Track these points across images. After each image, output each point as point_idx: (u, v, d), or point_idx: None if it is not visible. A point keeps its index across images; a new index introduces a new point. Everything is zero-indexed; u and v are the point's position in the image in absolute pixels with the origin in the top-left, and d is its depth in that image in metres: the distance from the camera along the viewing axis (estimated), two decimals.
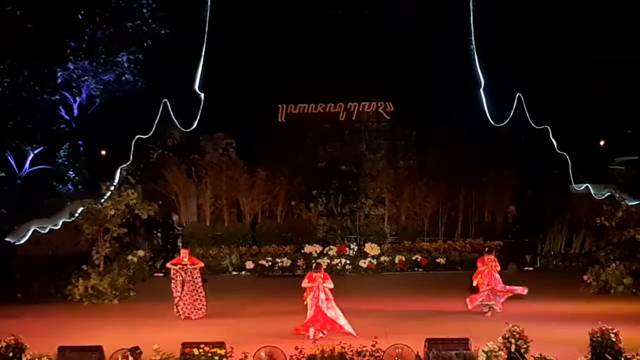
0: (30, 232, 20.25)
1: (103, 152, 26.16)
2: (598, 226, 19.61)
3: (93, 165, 25.91)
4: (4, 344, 11.07)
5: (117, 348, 10.79)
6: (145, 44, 26.17)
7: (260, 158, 26.03)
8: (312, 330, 12.98)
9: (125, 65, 26.17)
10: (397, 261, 23.10)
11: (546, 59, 24.44)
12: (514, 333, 10.47)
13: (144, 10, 26.33)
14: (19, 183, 25.29)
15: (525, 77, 24.28)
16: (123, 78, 26.30)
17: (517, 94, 24.70)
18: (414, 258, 23.22)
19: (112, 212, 19.40)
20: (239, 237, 24.47)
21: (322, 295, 13.26)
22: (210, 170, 25.23)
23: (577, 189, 23.71)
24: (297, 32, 26.43)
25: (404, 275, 22.61)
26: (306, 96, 27.64)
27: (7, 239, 20.05)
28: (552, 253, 23.28)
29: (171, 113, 25.03)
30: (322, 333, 12.97)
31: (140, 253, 22.10)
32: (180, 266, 16.03)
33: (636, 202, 19.76)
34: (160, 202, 23.58)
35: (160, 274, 21.96)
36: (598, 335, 10.50)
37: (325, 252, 23.35)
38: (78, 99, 26.41)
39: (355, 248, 23.58)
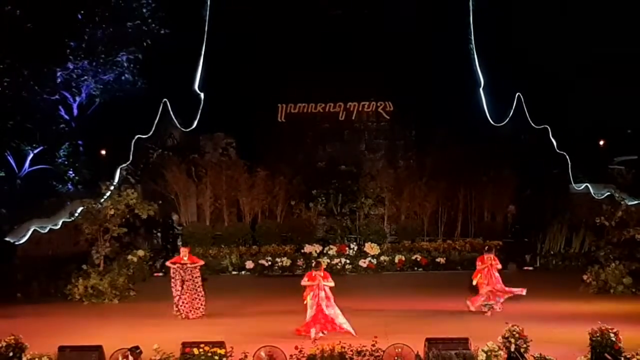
0: (30, 232, 20.26)
1: (103, 152, 26.16)
2: (598, 226, 19.62)
3: (93, 165, 25.92)
4: (4, 344, 11.06)
5: (117, 348, 10.78)
6: (145, 44, 26.18)
7: (260, 158, 26.04)
8: (313, 330, 13.00)
9: (125, 65, 26.18)
10: (396, 261, 23.11)
11: (546, 59, 24.45)
12: (514, 333, 10.47)
13: (144, 10, 26.34)
14: (18, 183, 25.30)
15: (525, 77, 24.29)
16: (123, 78, 26.31)
17: (517, 94, 24.72)
18: (413, 258, 23.23)
19: (112, 212, 19.40)
20: (239, 237, 24.48)
21: (322, 294, 13.28)
22: (210, 170, 25.24)
23: (576, 188, 23.73)
24: (297, 32, 26.43)
25: (403, 275, 22.62)
26: (306, 96, 27.66)
27: (7, 239, 20.06)
28: (552, 253, 23.29)
29: (171, 113, 25.05)
30: (322, 333, 12.98)
31: (140, 253, 22.11)
32: (180, 265, 16.04)
33: (636, 202, 19.77)
34: (160, 202, 23.58)
35: (160, 274, 21.96)
36: (598, 334, 10.49)
37: (325, 251, 23.36)
38: (78, 98, 26.41)
39: (355, 248, 23.60)
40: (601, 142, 26.50)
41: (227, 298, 18.12)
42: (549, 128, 23.98)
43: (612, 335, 10.43)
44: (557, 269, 22.59)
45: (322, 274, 13.58)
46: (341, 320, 13.23)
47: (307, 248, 23.50)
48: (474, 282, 15.78)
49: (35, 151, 25.57)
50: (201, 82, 26.20)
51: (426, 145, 26.22)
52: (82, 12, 25.28)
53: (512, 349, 10.32)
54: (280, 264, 23.01)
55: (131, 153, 23.82)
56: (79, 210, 20.34)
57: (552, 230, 23.47)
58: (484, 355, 10.15)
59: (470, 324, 14.02)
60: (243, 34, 26.29)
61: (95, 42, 25.63)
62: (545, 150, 24.01)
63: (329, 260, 22.48)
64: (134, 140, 24.00)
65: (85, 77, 25.91)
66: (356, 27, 26.69)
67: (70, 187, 25.82)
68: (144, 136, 24.62)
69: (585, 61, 24.63)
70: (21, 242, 20.19)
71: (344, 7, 27.24)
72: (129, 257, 21.37)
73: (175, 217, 25.45)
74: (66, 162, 26.27)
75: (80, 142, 26.59)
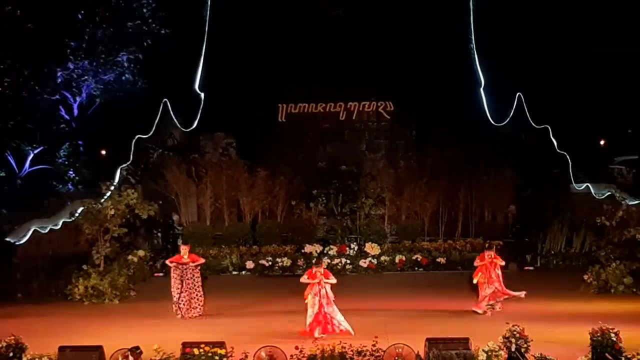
0: (30, 232, 20.24)
1: (103, 152, 26.16)
2: (598, 226, 19.60)
3: (93, 165, 25.92)
4: (4, 344, 11.07)
5: (118, 348, 10.79)
6: (145, 44, 26.17)
7: (260, 158, 26.06)
8: (318, 329, 13.04)
9: (125, 65, 26.17)
10: (397, 261, 23.10)
11: (546, 58, 24.42)
12: (515, 332, 10.47)
13: (144, 10, 26.33)
14: (19, 183, 25.30)
15: (526, 77, 24.26)
16: (123, 78, 26.30)
17: (517, 94, 24.69)
18: (414, 258, 23.23)
19: (112, 212, 19.39)
20: (239, 237, 24.49)
21: (324, 292, 13.30)
22: (211, 170, 25.26)
23: (577, 188, 23.70)
24: (297, 32, 26.42)
25: (404, 275, 22.62)
26: (306, 96, 27.66)
27: (7, 239, 20.03)
28: (553, 252, 23.29)
29: (171, 113, 25.02)
30: (321, 336, 12.97)
31: (141, 253, 22.12)
32: (181, 265, 16.04)
33: (636, 202, 19.74)
34: (161, 202, 23.56)
35: (161, 274, 21.96)
36: (598, 334, 10.49)
37: (325, 251, 23.36)
38: (78, 98, 26.40)
39: (356, 248, 23.59)
40: (602, 142, 26.48)
41: (228, 298, 18.12)
42: (549, 128, 23.94)
43: (612, 335, 10.42)
44: (557, 269, 22.60)
45: (322, 271, 13.60)
46: (339, 318, 13.27)
47: (308, 248, 23.50)
48: (474, 281, 15.75)
49: (36, 151, 25.57)
50: (201, 82, 26.17)
51: (427, 145, 26.22)
52: (83, 12, 25.27)
53: (513, 349, 10.32)
54: (280, 264, 23.01)
55: (131, 153, 23.79)
56: (79, 211, 20.32)
57: (553, 230, 23.47)
58: (485, 355, 10.15)
59: (470, 324, 14.03)
60: (243, 34, 26.29)
61: (96, 42, 25.62)
62: (546, 150, 23.97)
63: (329, 260, 22.47)
64: (134, 140, 23.97)
65: (86, 77, 25.90)
66: (356, 27, 26.67)
67: (70, 187, 25.81)
68: (144, 136, 24.59)
69: (586, 61, 24.60)
70: (21, 242, 20.16)
71: (344, 7, 27.22)
72: (130, 257, 21.37)
73: (175, 217, 25.46)
74: (66, 162, 26.26)
75: (80, 142, 26.58)
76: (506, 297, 15.60)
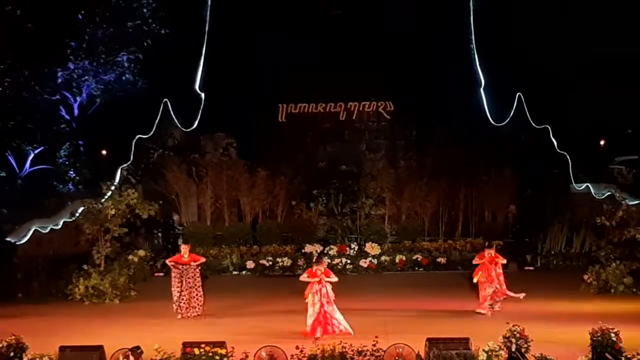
0: (31, 232, 20.26)
1: (103, 152, 26.18)
2: (598, 226, 19.60)
3: (93, 165, 25.94)
4: (5, 344, 11.08)
5: (118, 348, 10.79)
6: (145, 44, 26.20)
7: (260, 158, 26.04)
8: (319, 329, 13.06)
9: (126, 65, 26.20)
10: (397, 261, 23.10)
11: (546, 58, 24.43)
12: (515, 332, 10.47)
13: (144, 10, 26.36)
14: (19, 183, 25.33)
15: (526, 77, 24.27)
16: (123, 78, 26.33)
17: (518, 94, 24.70)
18: (414, 258, 23.22)
19: (113, 212, 19.40)
20: (240, 237, 24.49)
21: (324, 291, 13.32)
22: (211, 170, 25.25)
23: (577, 188, 23.71)
24: (297, 32, 26.42)
25: (404, 275, 22.61)
26: (306, 96, 27.67)
27: (8, 239, 20.05)
28: (553, 252, 23.28)
29: (172, 113, 25.05)
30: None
31: (141, 253, 22.12)
32: (182, 265, 16.06)
33: (636, 202, 19.76)
34: (161, 202, 23.57)
35: (161, 274, 21.96)
36: (598, 334, 10.50)
37: (325, 251, 23.34)
38: (78, 98, 26.43)
39: (356, 248, 23.59)
40: (602, 142, 26.49)
41: (228, 298, 18.13)
42: (549, 128, 23.97)
43: (612, 335, 10.43)
44: (557, 269, 22.59)
45: (322, 270, 13.61)
46: (338, 316, 13.29)
47: (308, 248, 23.50)
48: (475, 280, 15.74)
49: (36, 151, 25.60)
50: (202, 82, 26.20)
51: (427, 145, 26.20)
52: (83, 12, 25.31)
53: (513, 349, 10.32)
54: (281, 264, 23.01)
55: (132, 153, 23.81)
56: (79, 211, 20.33)
57: (553, 230, 23.46)
58: (485, 355, 10.15)
59: (471, 323, 14.04)
60: (243, 34, 26.29)
61: (96, 42, 25.65)
62: (546, 150, 24.00)
63: (329, 260, 22.47)
64: (134, 140, 24.00)
65: (86, 77, 25.93)
66: (356, 27, 26.68)
67: (71, 187, 25.84)
68: (144, 136, 24.62)
69: (586, 61, 24.61)
70: (22, 242, 20.18)
71: (344, 7, 27.22)
72: (130, 257, 21.38)
73: (176, 217, 25.46)
74: (67, 162, 26.29)
75: (81, 142, 26.61)
76: (505, 297, 15.61)
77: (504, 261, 15.81)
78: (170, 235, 25.53)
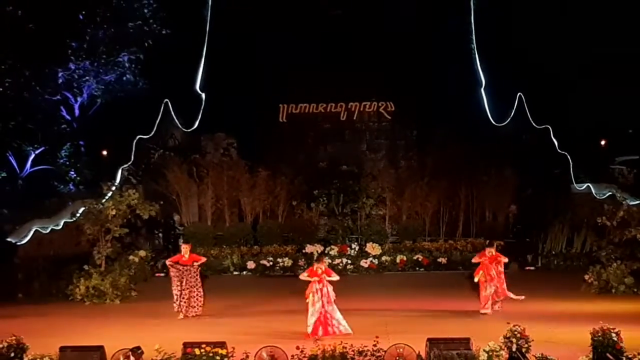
0: (31, 232, 20.26)
1: (104, 152, 26.18)
2: (599, 226, 19.58)
3: (94, 166, 25.94)
4: (5, 344, 11.07)
5: (119, 348, 10.79)
6: (146, 44, 26.20)
7: (261, 158, 26.07)
8: (321, 328, 13.08)
9: (127, 65, 26.20)
10: (398, 261, 23.11)
11: (546, 58, 24.43)
12: (515, 333, 10.46)
13: (145, 10, 26.35)
14: (20, 183, 25.33)
15: (526, 77, 24.27)
16: (124, 78, 26.33)
17: (518, 94, 24.70)
18: (415, 258, 23.23)
19: (114, 212, 19.39)
20: (240, 237, 24.51)
21: (325, 290, 13.33)
22: (212, 170, 25.28)
23: (578, 188, 23.70)
24: (297, 32, 26.43)
25: (405, 275, 22.62)
26: (307, 96, 27.68)
27: (8, 239, 20.05)
28: (554, 253, 23.28)
29: (172, 113, 25.04)
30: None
31: (142, 253, 22.13)
32: (182, 266, 16.06)
33: (637, 202, 19.75)
34: (162, 202, 23.57)
35: (162, 274, 21.95)
36: (599, 334, 10.49)
37: (326, 252, 23.34)
38: (79, 99, 26.43)
39: (357, 248, 23.59)
40: (602, 142, 26.49)
41: (229, 298, 18.14)
42: (550, 128, 23.96)
43: (613, 335, 10.42)
44: (558, 269, 22.59)
45: (323, 268, 13.61)
46: (338, 316, 13.30)
47: (309, 248, 23.50)
48: (475, 280, 15.71)
49: (37, 152, 25.60)
50: (202, 83, 26.20)
51: (427, 145, 26.25)
52: (84, 12, 25.30)
53: (514, 349, 10.31)
54: (281, 264, 23.01)
55: (132, 153, 23.81)
56: (80, 211, 20.33)
57: (554, 230, 23.46)
58: (486, 355, 10.14)
59: (471, 324, 14.04)
60: (243, 34, 26.30)
61: (97, 42, 25.65)
62: (547, 150, 23.99)
63: (330, 261, 22.47)
64: (135, 141, 24.00)
65: (87, 77, 25.93)
66: (356, 27, 26.69)
67: (71, 187, 25.84)
68: (145, 136, 24.61)
69: (586, 61, 24.60)
70: (23, 242, 20.18)
71: (344, 7, 27.22)
72: (131, 257, 21.39)
73: (176, 217, 25.48)
74: (68, 163, 26.29)
75: (81, 142, 26.61)
76: (505, 297, 15.60)
77: (506, 260, 15.79)
78: (171, 236, 25.55)
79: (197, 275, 16.17)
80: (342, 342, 10.77)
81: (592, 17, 24.17)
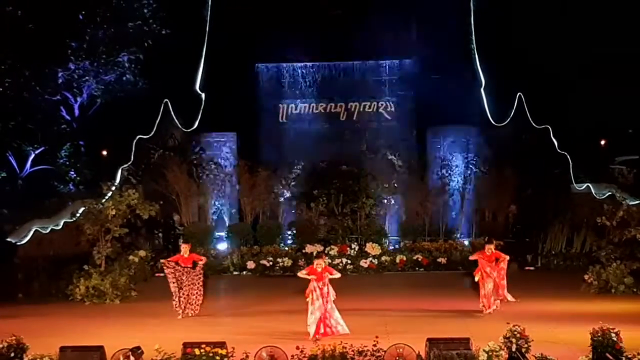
0: (31, 233, 20.22)
1: (104, 152, 26.15)
2: (599, 226, 19.61)
3: (94, 166, 25.90)
4: (5, 344, 11.08)
5: (119, 348, 10.81)
6: (146, 44, 26.15)
7: (261, 158, 26.07)
8: (322, 326, 13.11)
9: (126, 65, 26.16)
10: (398, 261, 23.11)
11: (546, 58, 24.41)
12: (515, 333, 10.47)
13: (145, 10, 26.30)
14: (20, 183, 25.31)
15: (525, 77, 24.25)
16: (124, 78, 26.29)
17: (518, 94, 24.67)
18: (415, 258, 23.23)
19: (113, 212, 19.41)
20: (240, 237, 24.51)
21: (326, 289, 13.35)
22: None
23: (578, 188, 23.65)
24: (297, 32, 26.40)
25: (405, 275, 22.62)
26: (307, 95, 27.68)
27: (8, 239, 20.04)
28: (553, 252, 23.30)
29: (172, 113, 24.98)
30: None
31: (142, 253, 22.12)
32: (182, 267, 16.07)
33: (637, 202, 19.72)
34: (162, 202, 23.57)
35: (162, 274, 21.71)
36: (599, 334, 10.50)
37: (326, 252, 23.34)
38: (79, 99, 26.40)
39: (356, 248, 23.59)
40: (602, 142, 26.48)
41: (229, 298, 18.20)
42: (550, 128, 23.93)
43: (613, 335, 10.43)
44: (558, 269, 22.60)
45: (322, 265, 13.62)
46: (336, 315, 13.32)
47: (309, 248, 23.50)
48: (476, 279, 15.70)
49: (37, 152, 25.57)
50: (202, 82, 26.17)
51: (427, 145, 26.23)
52: (84, 12, 25.25)
53: (513, 349, 10.33)
54: (281, 264, 23.01)
55: (132, 153, 23.75)
56: (80, 211, 20.32)
57: (554, 230, 23.48)
58: (485, 355, 10.16)
59: (471, 324, 14.05)
60: (243, 34, 26.28)
61: (97, 42, 25.61)
62: (547, 150, 23.93)
63: (330, 260, 22.47)
64: (135, 141, 23.92)
65: (87, 77, 25.89)
66: (356, 27, 26.66)
67: (71, 187, 25.82)
68: (145, 136, 24.51)
69: (586, 61, 24.59)
70: (22, 242, 20.14)
71: (344, 7, 27.20)
72: (131, 257, 21.38)
73: (176, 217, 25.46)
74: (67, 163, 26.26)
75: (81, 142, 26.57)
76: (501, 298, 15.57)
77: (507, 257, 15.76)
78: (171, 236, 25.54)
79: (198, 275, 16.18)
80: (342, 342, 10.79)
81: (592, 17, 24.15)
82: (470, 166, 25.70)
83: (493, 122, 24.88)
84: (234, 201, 25.75)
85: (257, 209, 25.28)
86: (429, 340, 10.65)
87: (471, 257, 16.13)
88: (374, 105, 27.69)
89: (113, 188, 20.94)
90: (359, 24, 26.30)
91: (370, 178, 25.52)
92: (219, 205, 25.71)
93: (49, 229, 20.57)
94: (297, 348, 10.68)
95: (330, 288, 13.50)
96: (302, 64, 27.15)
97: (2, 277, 19.48)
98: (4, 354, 10.97)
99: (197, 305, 16.09)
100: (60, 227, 20.74)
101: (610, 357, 10.23)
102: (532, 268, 23.12)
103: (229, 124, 26.32)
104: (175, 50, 24.86)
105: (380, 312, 15.74)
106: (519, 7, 24.89)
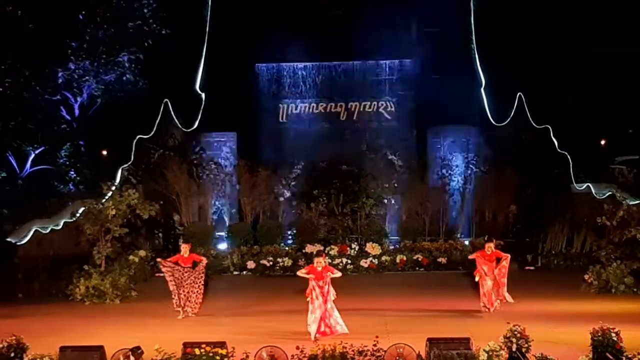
0: (31, 232, 20.23)
1: (104, 152, 26.14)
2: (599, 225, 19.61)
3: (94, 165, 25.91)
4: (5, 344, 11.09)
5: (119, 348, 10.81)
6: (146, 44, 26.16)
7: (261, 158, 26.08)
8: (322, 325, 13.10)
9: (126, 65, 26.16)
10: (398, 261, 23.09)
11: (546, 58, 24.41)
12: (515, 332, 10.48)
13: (145, 10, 26.31)
14: (20, 183, 25.32)
15: (526, 77, 24.26)
16: (124, 78, 26.29)
17: (518, 94, 24.67)
18: (415, 258, 23.21)
19: (114, 212, 19.42)
20: (241, 237, 24.51)
21: (326, 289, 13.36)
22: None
23: (578, 188, 23.64)
24: (297, 32, 26.39)
25: (405, 275, 22.60)
26: (307, 95, 27.67)
27: (8, 239, 20.05)
28: (553, 252, 23.28)
29: (172, 113, 24.99)
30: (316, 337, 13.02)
31: (142, 253, 22.08)
32: (182, 267, 16.08)
33: (637, 202, 19.73)
34: (162, 202, 23.55)
35: (162, 274, 21.75)
36: (599, 334, 10.50)
37: (326, 251, 23.32)
38: (79, 99, 26.40)
39: (357, 248, 23.59)
40: (602, 142, 26.47)
41: (229, 298, 18.18)
42: (550, 128, 23.93)
43: (613, 335, 10.44)
44: (558, 269, 22.59)
45: (323, 264, 13.62)
46: (336, 314, 13.33)
47: (309, 248, 23.48)
48: (476, 279, 15.70)
49: (37, 151, 25.58)
50: (202, 82, 26.17)
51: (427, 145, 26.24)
52: (84, 12, 25.26)
53: (514, 349, 10.33)
54: (281, 264, 23.01)
55: (132, 153, 23.75)
56: (80, 211, 20.32)
57: (554, 230, 23.46)
58: (486, 355, 10.16)
59: (471, 323, 14.05)
60: (243, 34, 26.29)
61: (97, 42, 25.62)
62: (547, 150, 23.94)
63: (330, 260, 22.45)
64: (135, 141, 23.92)
65: (87, 77, 25.90)
66: (356, 27, 26.67)
67: (71, 187, 25.82)
68: (145, 136, 24.51)
69: (586, 61, 24.59)
70: (22, 242, 20.14)
71: (344, 7, 27.19)
72: (131, 257, 21.35)
73: (176, 217, 25.45)
74: (67, 163, 26.27)
75: (81, 142, 26.58)
76: (501, 298, 15.57)
77: (509, 256, 15.75)
78: (171, 236, 25.52)
79: (199, 275, 16.18)
80: (342, 342, 10.79)
81: (592, 17, 24.15)
82: (471, 166, 25.65)
83: (493, 122, 24.89)
84: (234, 201, 25.81)
85: (257, 209, 25.26)
86: (429, 340, 10.65)
87: (470, 256, 16.12)
88: (374, 105, 27.68)
89: (113, 188, 20.95)
90: (359, 24, 26.29)
91: (371, 178, 25.48)
92: (219, 205, 25.74)
93: (49, 229, 20.57)
94: (297, 348, 10.69)
95: (331, 287, 13.50)
96: (302, 64, 27.14)
97: (2, 277, 19.49)
98: (4, 354, 10.97)
99: (197, 304, 16.10)
100: (60, 227, 20.75)
101: (611, 357, 10.23)
102: (532, 268, 23.11)
103: (229, 124, 26.31)
104: (175, 50, 24.86)
105: (381, 312, 15.74)
106: (519, 7, 24.90)
